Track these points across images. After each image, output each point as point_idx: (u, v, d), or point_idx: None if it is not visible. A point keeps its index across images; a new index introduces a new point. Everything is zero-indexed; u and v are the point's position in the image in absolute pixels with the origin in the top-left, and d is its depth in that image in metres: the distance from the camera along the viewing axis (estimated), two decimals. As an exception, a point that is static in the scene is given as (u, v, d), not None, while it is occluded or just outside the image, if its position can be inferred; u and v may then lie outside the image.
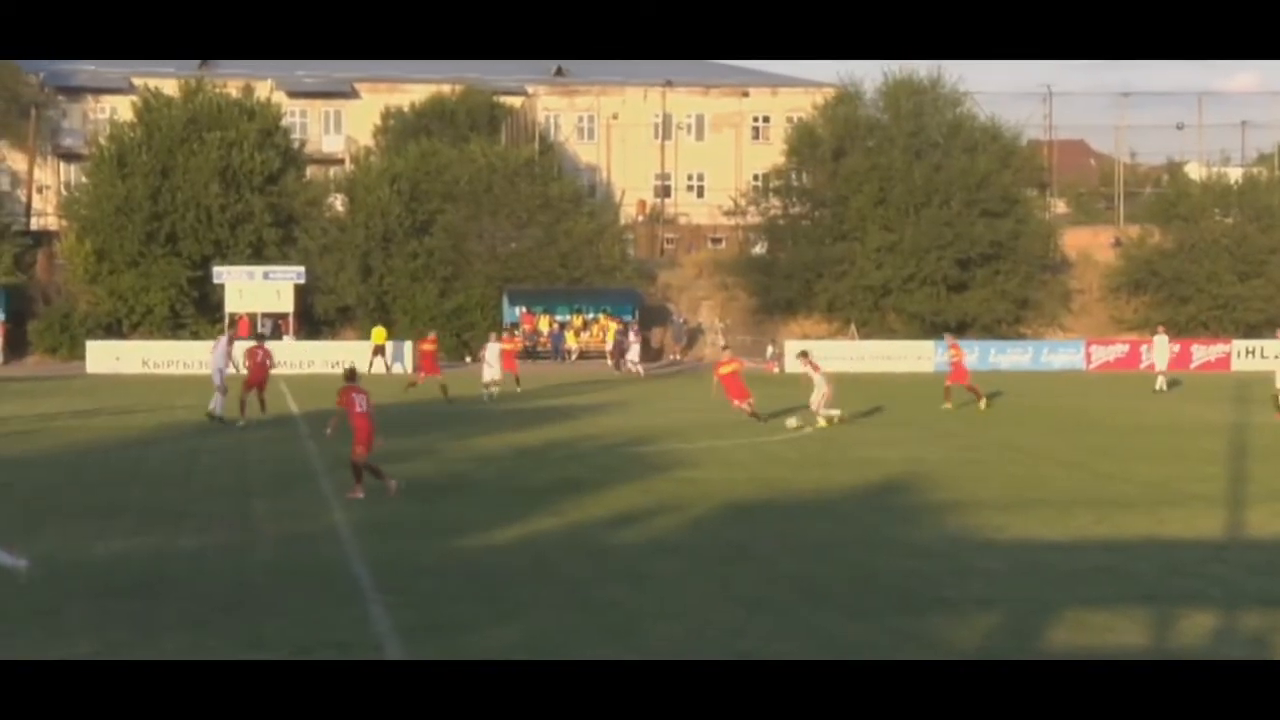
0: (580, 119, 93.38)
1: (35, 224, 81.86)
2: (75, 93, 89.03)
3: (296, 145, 78.64)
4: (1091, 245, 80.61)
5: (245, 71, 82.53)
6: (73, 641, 13.51)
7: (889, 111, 77.77)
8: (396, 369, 62.73)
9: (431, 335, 52.88)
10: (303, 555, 18.21)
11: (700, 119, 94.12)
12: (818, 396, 36.37)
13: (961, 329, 72.56)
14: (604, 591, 16.16)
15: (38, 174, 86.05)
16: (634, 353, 62.01)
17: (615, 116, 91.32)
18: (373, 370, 61.58)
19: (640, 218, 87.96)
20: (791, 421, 35.42)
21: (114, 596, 15.64)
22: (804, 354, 38.75)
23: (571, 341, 72.29)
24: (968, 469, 27.61)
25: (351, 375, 25.07)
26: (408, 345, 64.14)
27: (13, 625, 14.18)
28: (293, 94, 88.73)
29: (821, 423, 35.45)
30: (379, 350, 64.17)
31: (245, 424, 35.55)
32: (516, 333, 68.89)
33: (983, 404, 41.64)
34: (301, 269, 69.49)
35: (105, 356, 62.37)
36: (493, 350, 47.30)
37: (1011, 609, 15.21)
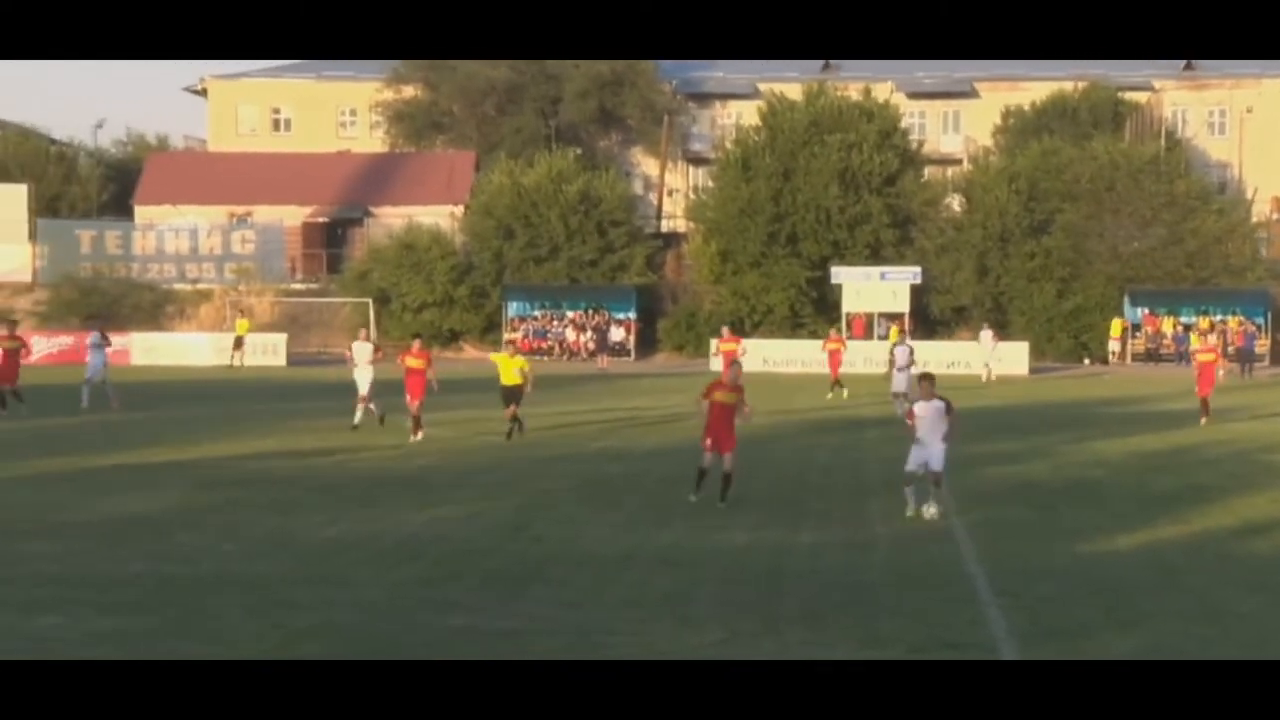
0: (1210, 113, 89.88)
1: (665, 226, 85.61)
2: (704, 99, 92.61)
3: (915, 146, 79.07)
4: None
5: (866, 74, 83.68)
6: (702, 629, 13.97)
7: None
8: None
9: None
10: (918, 554, 18.24)
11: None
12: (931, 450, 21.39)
13: None
14: (1234, 604, 15.44)
15: (668, 178, 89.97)
16: (901, 363, 40.81)
17: (1249, 110, 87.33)
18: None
19: (1275, 215, 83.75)
20: (931, 511, 21.11)
21: (739, 587, 16.10)
22: (927, 377, 22.06)
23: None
24: None
25: None
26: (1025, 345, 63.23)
27: (648, 611, 14.81)
28: (912, 95, 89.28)
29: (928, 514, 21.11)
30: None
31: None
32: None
33: (1202, 421, 36.37)
34: (918, 269, 69.82)
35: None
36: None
37: None
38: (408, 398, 32.26)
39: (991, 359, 58.04)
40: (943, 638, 13.63)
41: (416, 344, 34.00)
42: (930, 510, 21.02)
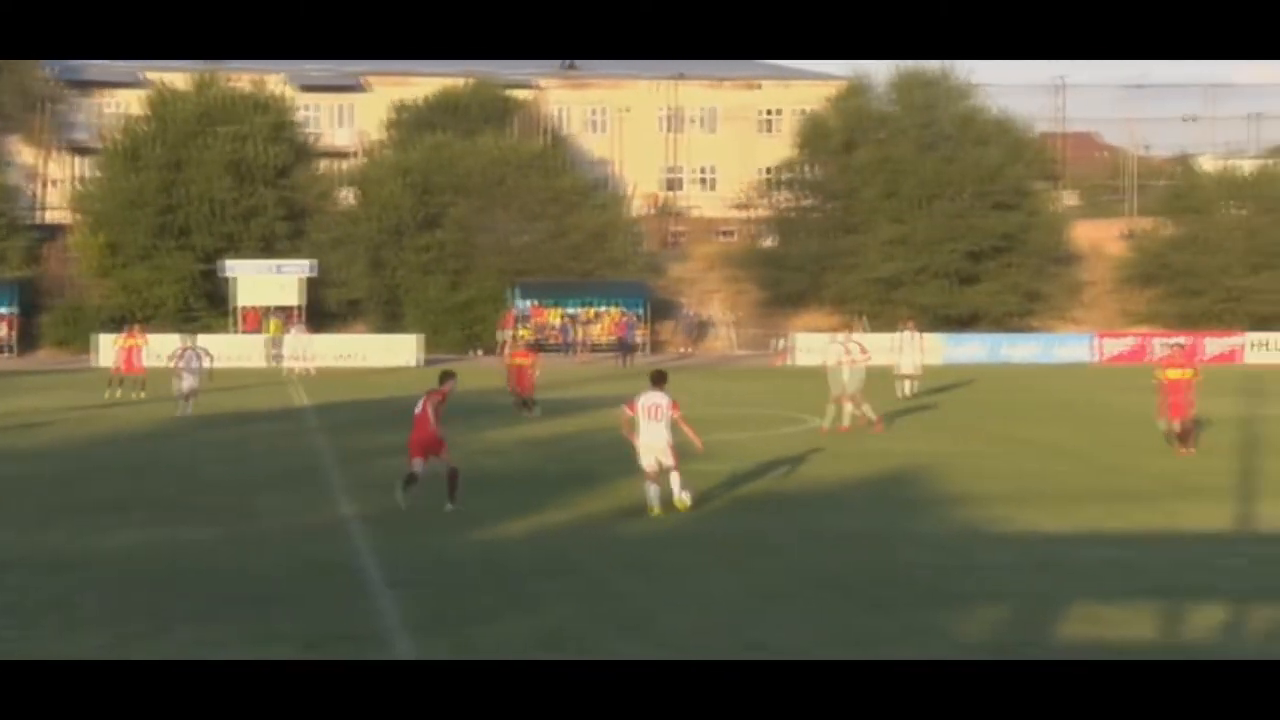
0: (591, 112, 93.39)
1: (48, 218, 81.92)
2: (85, 86, 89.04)
3: (307, 139, 78.68)
4: (1102, 238, 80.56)
5: (256, 65, 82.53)
6: (86, 634, 13.54)
7: (900, 104, 77.69)
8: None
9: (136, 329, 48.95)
10: (312, 548, 18.23)
11: (712, 112, 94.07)
12: None
13: (972, 322, 72.55)
14: (617, 583, 16.18)
15: (50, 168, 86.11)
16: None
17: (628, 109, 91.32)
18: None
19: (650, 211, 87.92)
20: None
21: (127, 589, 15.68)
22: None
23: (580, 335, 72.30)
24: (977, 462, 27.58)
25: None
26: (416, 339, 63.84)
27: (27, 618, 14.23)
28: (303, 88, 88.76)
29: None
30: None
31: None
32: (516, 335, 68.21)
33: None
34: (312, 262, 69.50)
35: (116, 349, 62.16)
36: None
37: (1022, 603, 15.18)
38: None
39: (305, 353, 58.56)
40: (338, 630, 13.68)
41: None
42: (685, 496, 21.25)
